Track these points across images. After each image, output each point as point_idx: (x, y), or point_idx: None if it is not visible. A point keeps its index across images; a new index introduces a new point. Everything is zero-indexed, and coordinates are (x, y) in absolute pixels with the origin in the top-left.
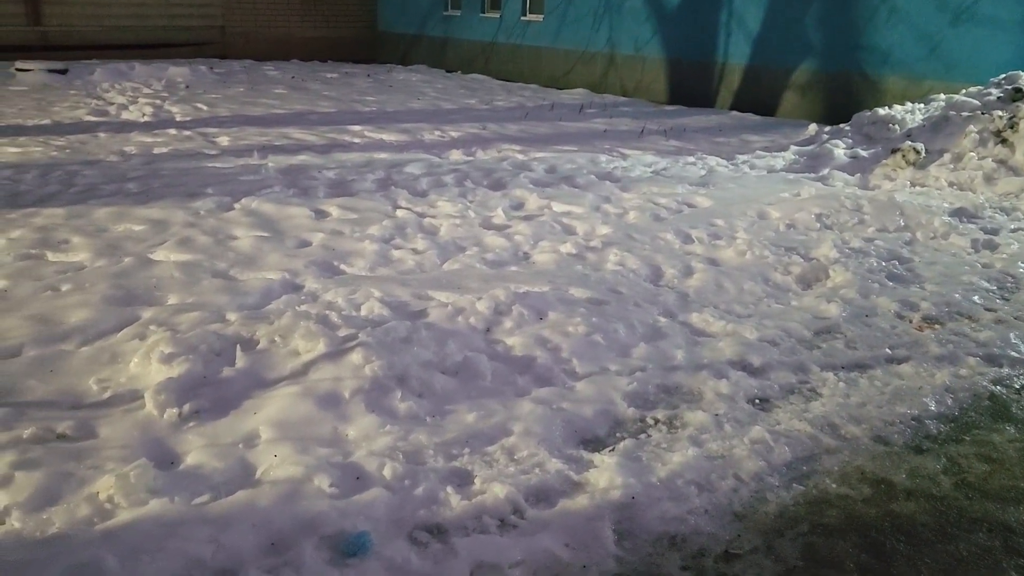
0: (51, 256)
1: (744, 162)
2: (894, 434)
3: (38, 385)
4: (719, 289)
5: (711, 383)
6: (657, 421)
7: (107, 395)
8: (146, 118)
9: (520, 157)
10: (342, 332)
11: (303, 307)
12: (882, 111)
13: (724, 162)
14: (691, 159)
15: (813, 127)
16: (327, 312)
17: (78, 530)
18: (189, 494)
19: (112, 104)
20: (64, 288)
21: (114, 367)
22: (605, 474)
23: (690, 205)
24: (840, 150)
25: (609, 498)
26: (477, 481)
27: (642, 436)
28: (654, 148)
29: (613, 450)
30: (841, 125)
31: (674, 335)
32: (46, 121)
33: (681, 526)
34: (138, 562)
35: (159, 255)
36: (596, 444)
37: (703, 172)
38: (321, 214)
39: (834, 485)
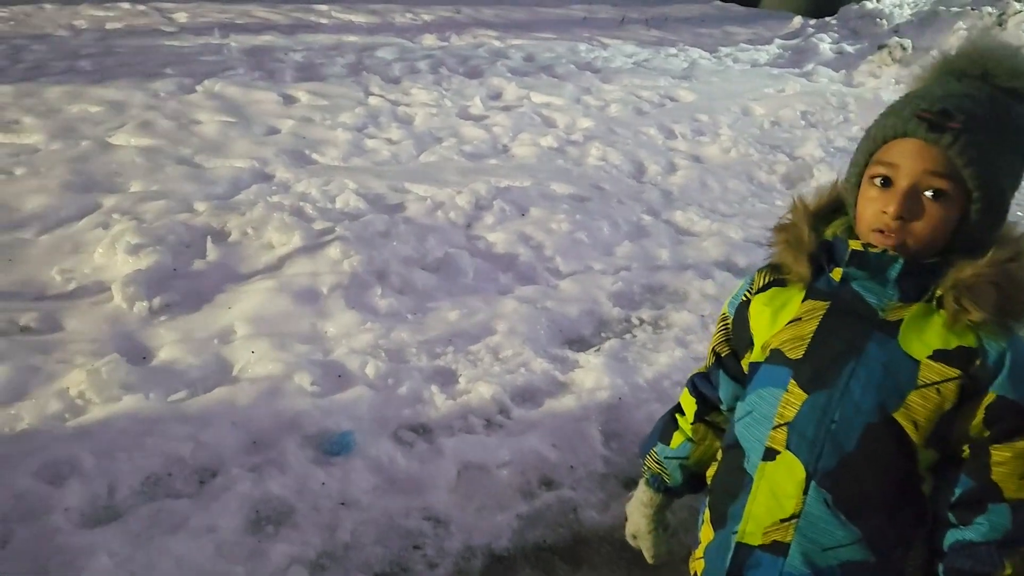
0: (2, 137)
1: (727, 55)
2: None
3: None
4: (703, 187)
5: (696, 283)
6: (642, 321)
7: (71, 287)
8: None
9: (497, 44)
10: (318, 225)
11: (275, 198)
12: (870, 4)
13: (707, 55)
14: (673, 50)
15: (798, 20)
16: (301, 204)
17: (50, 426)
18: (164, 390)
19: None
20: (18, 172)
21: (77, 257)
22: (591, 374)
23: (673, 99)
24: (825, 44)
25: (596, 399)
26: (462, 380)
27: (627, 336)
28: (635, 38)
29: (599, 350)
30: (827, 19)
31: (658, 234)
32: None
33: None
34: (115, 460)
35: (118, 139)
36: (581, 344)
37: (686, 64)
38: (289, 99)
39: None
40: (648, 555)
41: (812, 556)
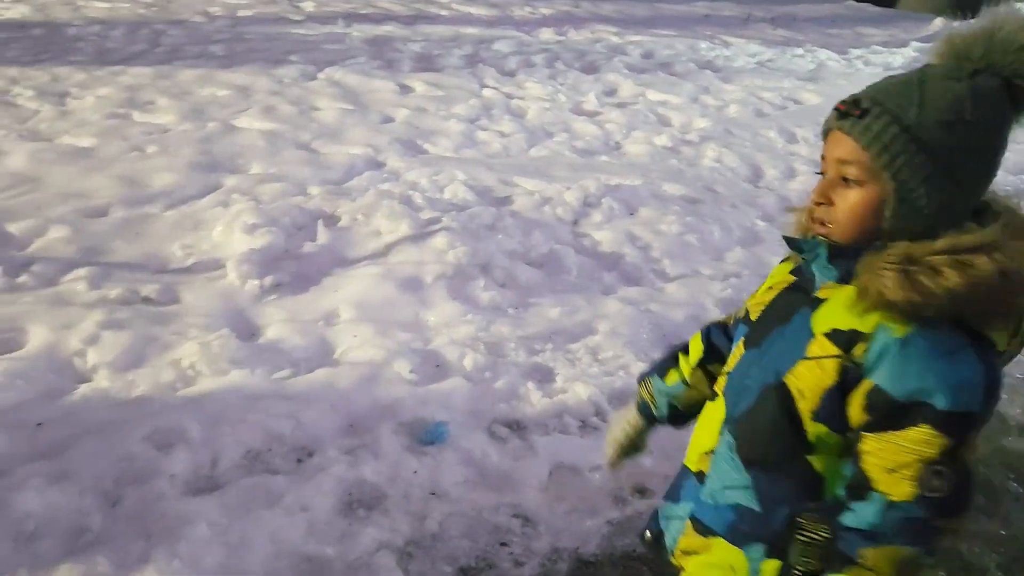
0: (137, 116)
1: (858, 57)
2: None
3: (124, 246)
4: None
5: None
6: None
7: (190, 261)
8: None
9: (615, 39)
10: (425, 215)
11: (386, 186)
12: (1019, 3)
13: (836, 56)
14: (800, 51)
15: (939, 21)
16: (410, 192)
17: (162, 394)
18: (269, 368)
19: None
20: (150, 150)
21: (197, 233)
22: None
23: (796, 101)
24: None
25: None
26: (559, 379)
27: None
28: (760, 37)
29: None
30: (971, 20)
31: (773, 241)
32: None
33: None
34: (219, 431)
35: (243, 122)
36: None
37: (812, 66)
38: (406, 89)
39: None
40: (608, 461)
41: (716, 491)
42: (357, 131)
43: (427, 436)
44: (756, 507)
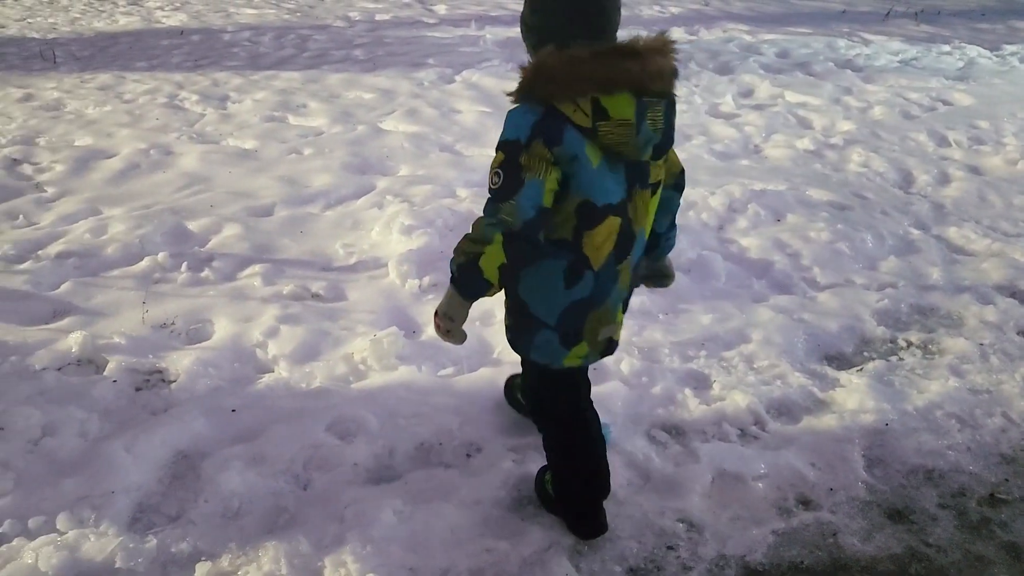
0: (292, 119)
1: (1013, 54)
2: None
3: (291, 244)
4: (982, 202)
5: (974, 308)
6: (910, 344)
7: (353, 260)
8: None
9: (748, 39)
10: None
11: None
12: None
13: (987, 53)
14: (947, 48)
15: None
16: None
17: (338, 386)
18: (434, 365)
19: None
20: (306, 152)
21: (357, 233)
22: (854, 395)
23: (946, 102)
24: None
25: (859, 421)
26: (715, 386)
27: (893, 359)
28: (902, 33)
29: (861, 370)
30: None
31: (928, 250)
32: None
33: (939, 461)
34: (395, 424)
35: (388, 125)
36: (841, 362)
37: (961, 64)
38: None
39: None
40: (460, 340)
41: None
42: (496, 133)
43: None
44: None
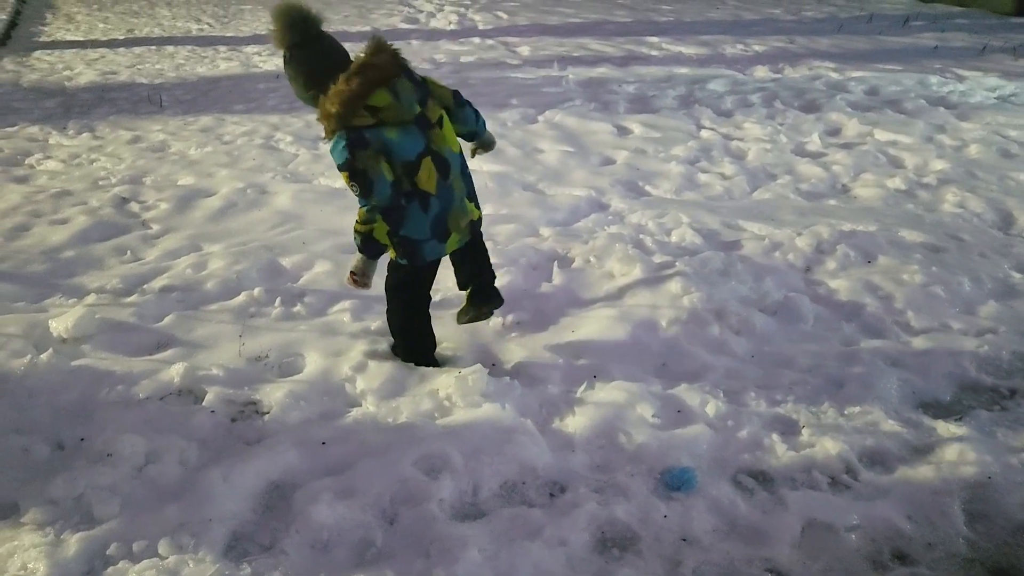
0: None
1: None
2: None
3: (379, 281)
4: None
5: None
6: (1014, 393)
7: (438, 297)
8: (452, 26)
9: (834, 76)
10: (657, 259)
11: (614, 228)
12: None
13: None
14: None
15: None
16: (640, 236)
17: (423, 422)
18: (518, 405)
19: (421, 12)
20: None
21: (441, 271)
22: (953, 446)
23: None
24: None
25: (959, 473)
26: (804, 432)
27: (996, 408)
28: (999, 69)
29: (960, 419)
30: None
31: None
32: (367, 28)
33: None
34: (479, 461)
35: (472, 164)
36: (939, 410)
37: None
38: (623, 131)
39: None
40: (368, 287)
41: None
42: (579, 173)
43: (675, 481)
44: None
